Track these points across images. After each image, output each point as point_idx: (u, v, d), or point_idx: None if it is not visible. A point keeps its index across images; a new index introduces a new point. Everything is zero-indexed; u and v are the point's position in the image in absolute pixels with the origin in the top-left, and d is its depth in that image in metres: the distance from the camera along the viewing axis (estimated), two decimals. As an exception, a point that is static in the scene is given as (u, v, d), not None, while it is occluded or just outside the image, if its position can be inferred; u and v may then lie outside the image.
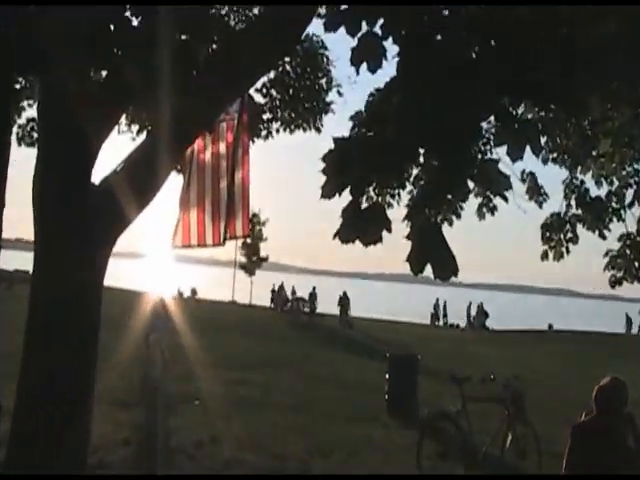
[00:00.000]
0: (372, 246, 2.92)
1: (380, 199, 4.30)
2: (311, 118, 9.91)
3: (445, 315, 36.17)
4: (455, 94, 2.64)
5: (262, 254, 41.52)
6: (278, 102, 9.91)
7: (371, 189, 3.11)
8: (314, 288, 30.22)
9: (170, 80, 3.39)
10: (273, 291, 35.92)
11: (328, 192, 2.94)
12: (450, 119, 2.70)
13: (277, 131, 10.21)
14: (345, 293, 29.01)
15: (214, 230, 6.84)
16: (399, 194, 6.81)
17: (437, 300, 36.33)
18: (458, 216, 6.47)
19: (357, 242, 2.90)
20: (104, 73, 3.84)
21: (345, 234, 2.90)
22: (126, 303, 11.34)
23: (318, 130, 10.04)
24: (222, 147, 6.90)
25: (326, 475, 6.30)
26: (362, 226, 2.89)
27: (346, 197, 2.96)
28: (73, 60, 3.11)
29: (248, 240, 38.44)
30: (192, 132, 3.86)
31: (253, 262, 41.36)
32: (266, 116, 9.95)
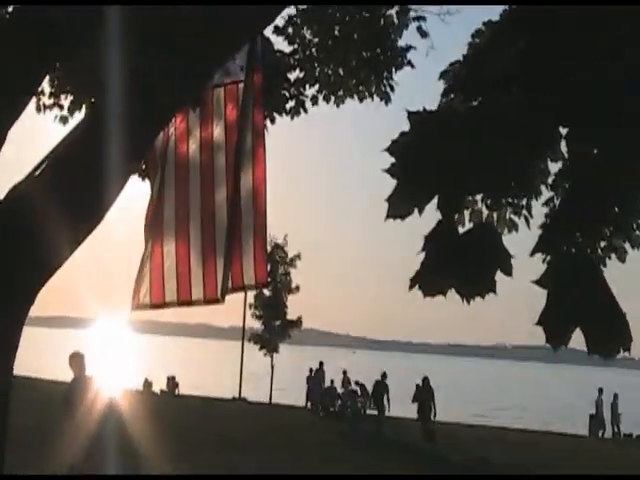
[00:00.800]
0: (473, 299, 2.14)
1: (493, 216, 3.10)
2: (374, 77, 7.68)
3: (615, 419, 26.78)
4: None
5: (290, 315, 33.03)
6: (315, 50, 7.89)
7: (478, 199, 2.96)
8: (384, 375, 23.16)
9: (123, 18, 2.72)
10: (310, 378, 28.66)
11: (399, 207, 2.21)
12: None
13: (313, 101, 8.01)
14: (425, 381, 22.16)
15: (206, 276, 5.27)
16: (528, 207, 4.77)
17: (600, 393, 26.83)
18: (637, 245, 4.51)
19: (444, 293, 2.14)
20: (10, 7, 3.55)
21: (430, 280, 2.15)
22: (49, 405, 9.08)
23: (385, 97, 7.89)
24: (218, 132, 5.42)
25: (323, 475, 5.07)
26: (461, 265, 2.15)
27: (430, 216, 2.23)
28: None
29: (266, 292, 30.67)
30: (165, 106, 3.05)
31: (275, 330, 32.43)
32: (295, 75, 8.04)
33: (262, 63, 5.46)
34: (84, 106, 6.69)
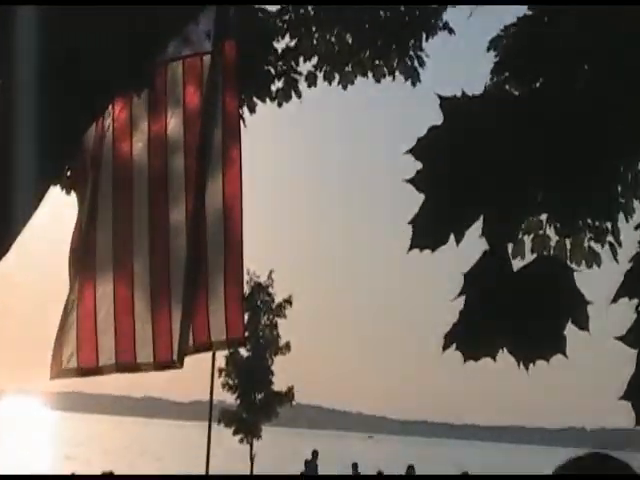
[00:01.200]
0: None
1: (565, 244, 3.05)
2: (395, 46, 7.71)
3: None
4: None
5: (277, 385, 32.87)
6: (313, 9, 7.96)
7: (543, 219, 3.09)
8: (411, 469, 23.77)
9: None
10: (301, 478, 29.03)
11: (428, 233, 2.26)
12: None
13: (310, 80, 8.10)
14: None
15: (158, 330, 5.33)
16: (615, 231, 4.91)
17: None
18: None
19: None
20: None
21: (472, 337, 2.19)
22: None
23: (411, 76, 7.99)
24: (174, 124, 5.53)
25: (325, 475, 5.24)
26: (516, 315, 2.19)
27: (472, 244, 2.29)
28: None
29: (243, 352, 30.83)
30: (94, 89, 3.07)
31: (256, 407, 31.96)
32: (284, 44, 8.10)
33: (237, 27, 5.59)
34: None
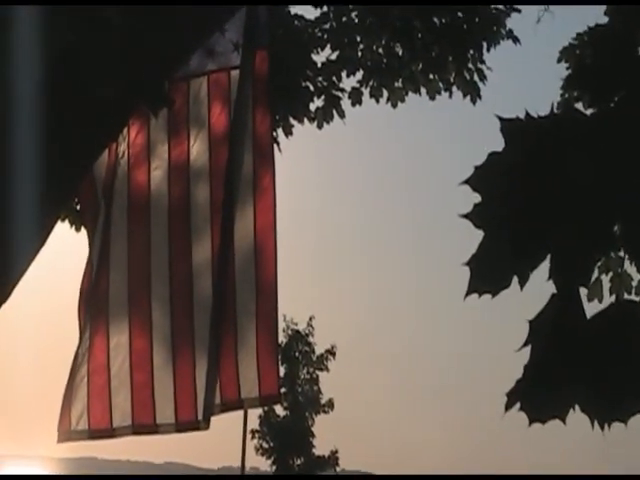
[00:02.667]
0: None
1: None
2: (452, 58, 7.80)
3: None
4: None
5: (319, 449, 32.69)
6: (357, 15, 7.99)
7: (623, 256, 2.48)
8: None
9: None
10: None
11: (487, 276, 2.27)
12: None
13: (354, 97, 8.19)
14: None
15: (180, 387, 5.34)
16: None
17: None
18: None
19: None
20: None
21: (539, 395, 2.19)
22: None
23: (471, 92, 8.15)
24: (198, 149, 5.55)
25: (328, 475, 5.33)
26: (591, 369, 2.18)
27: (536, 287, 2.30)
28: None
29: (279, 411, 31.06)
30: (107, 110, 3.11)
31: (295, 473, 31.96)
32: (325, 56, 8.26)
33: (269, 37, 5.65)
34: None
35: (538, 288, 2.30)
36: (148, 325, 5.25)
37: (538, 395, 2.19)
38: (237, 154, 5.23)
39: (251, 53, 5.34)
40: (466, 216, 2.34)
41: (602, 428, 2.15)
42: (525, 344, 2.23)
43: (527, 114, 2.42)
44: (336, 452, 32.55)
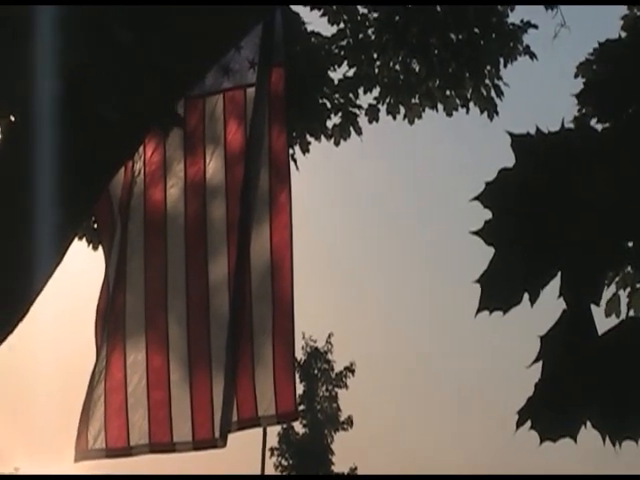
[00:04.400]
0: None
1: None
2: (469, 73, 7.77)
3: None
4: None
5: (339, 466, 32.40)
6: (374, 31, 8.02)
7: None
8: None
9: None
10: None
11: (498, 293, 2.24)
12: None
13: (371, 114, 8.18)
14: None
15: (197, 405, 5.32)
16: None
17: None
18: None
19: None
20: None
21: (549, 413, 2.14)
22: None
23: (487, 108, 8.10)
24: (214, 167, 5.57)
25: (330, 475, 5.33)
26: (604, 385, 2.14)
27: (549, 302, 2.26)
28: None
29: (298, 428, 31.05)
30: (124, 129, 3.17)
31: None
32: (341, 73, 8.23)
33: (285, 54, 5.65)
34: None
35: (550, 304, 2.29)
36: (165, 343, 5.24)
37: (549, 414, 2.17)
38: (253, 171, 5.22)
39: (267, 70, 5.35)
40: (477, 233, 2.34)
41: (614, 445, 2.14)
42: (536, 360, 2.22)
43: (537, 129, 2.42)
44: (355, 469, 32.45)
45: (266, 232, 5.21)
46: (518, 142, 2.40)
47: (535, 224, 2.31)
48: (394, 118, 7.85)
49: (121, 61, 3.00)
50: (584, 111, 3.31)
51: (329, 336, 32.61)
